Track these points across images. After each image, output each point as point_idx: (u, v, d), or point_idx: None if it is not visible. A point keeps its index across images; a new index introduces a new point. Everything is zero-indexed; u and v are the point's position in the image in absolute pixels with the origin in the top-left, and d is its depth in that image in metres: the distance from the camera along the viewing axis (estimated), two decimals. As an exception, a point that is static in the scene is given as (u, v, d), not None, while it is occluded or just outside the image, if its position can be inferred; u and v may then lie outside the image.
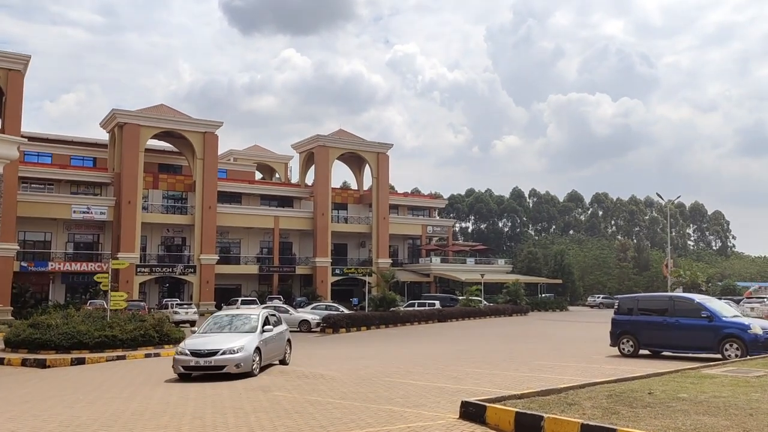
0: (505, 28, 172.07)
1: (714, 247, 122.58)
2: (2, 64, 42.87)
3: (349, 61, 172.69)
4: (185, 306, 41.34)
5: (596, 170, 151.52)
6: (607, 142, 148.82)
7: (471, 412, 8.39)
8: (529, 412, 7.67)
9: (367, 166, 65.49)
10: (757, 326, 15.60)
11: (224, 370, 13.75)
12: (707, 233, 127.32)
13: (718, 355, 15.59)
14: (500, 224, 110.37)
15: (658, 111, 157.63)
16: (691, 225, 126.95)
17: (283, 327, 17.05)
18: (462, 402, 8.66)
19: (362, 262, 63.09)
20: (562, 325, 37.90)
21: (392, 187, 71.38)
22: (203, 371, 14.00)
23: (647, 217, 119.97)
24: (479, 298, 49.61)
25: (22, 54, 44.35)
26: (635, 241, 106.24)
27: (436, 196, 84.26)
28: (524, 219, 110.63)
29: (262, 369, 14.73)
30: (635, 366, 14.99)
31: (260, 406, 10.24)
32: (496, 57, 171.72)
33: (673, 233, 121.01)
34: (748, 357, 14.71)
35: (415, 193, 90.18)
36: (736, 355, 15.18)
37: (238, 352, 13.87)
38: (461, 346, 22.62)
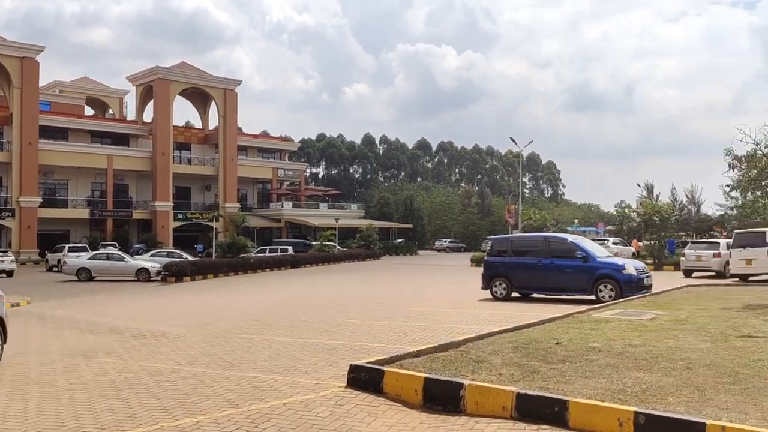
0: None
1: (546, 195, 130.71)
2: None
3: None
4: (0, 253, 35.92)
5: (441, 121, 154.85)
6: (451, 94, 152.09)
7: (363, 378, 6.60)
8: (443, 378, 6.00)
9: (213, 103, 60.86)
10: (630, 266, 15.23)
11: None
12: (541, 182, 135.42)
13: (592, 297, 15.08)
14: (351, 170, 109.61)
15: (498, 66, 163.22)
16: (527, 174, 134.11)
17: None
18: (351, 366, 6.84)
19: (208, 206, 59.03)
20: (418, 268, 37.54)
21: (240, 129, 67.32)
22: None
23: (488, 166, 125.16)
24: (333, 243, 48.35)
25: None
26: (477, 188, 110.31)
27: (288, 139, 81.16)
28: (375, 165, 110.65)
29: None
30: (512, 310, 14.11)
31: (79, 379, 7.80)
32: (345, 2, 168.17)
33: (511, 181, 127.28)
34: (622, 298, 14.30)
35: (265, 135, 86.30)
36: (610, 296, 14.68)
37: None
38: (324, 293, 20.90)
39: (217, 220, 45.98)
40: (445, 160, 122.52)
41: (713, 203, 69.66)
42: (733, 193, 69.37)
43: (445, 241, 74.27)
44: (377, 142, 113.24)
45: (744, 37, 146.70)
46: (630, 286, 14.75)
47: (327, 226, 52.82)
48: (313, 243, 49.66)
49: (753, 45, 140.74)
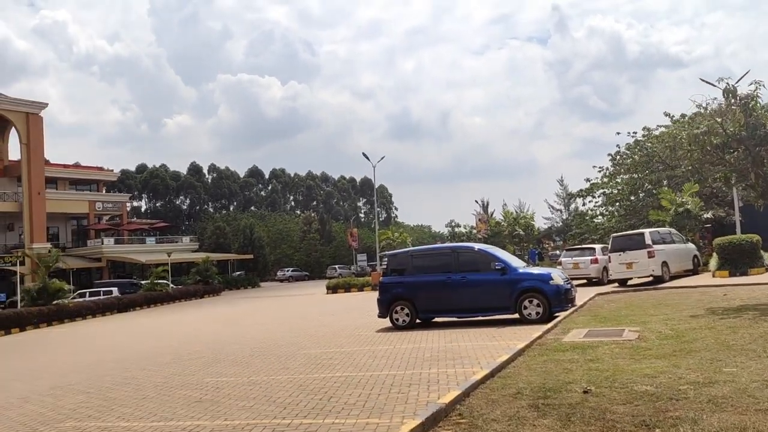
0: (170, 4, 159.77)
1: (381, 218, 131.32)
2: None
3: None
4: None
5: (269, 151, 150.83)
6: (277, 123, 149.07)
7: None
8: None
9: (12, 130, 52.35)
10: (557, 276, 12.79)
11: None
12: (375, 205, 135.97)
13: (515, 315, 12.53)
14: (178, 201, 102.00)
15: (321, 96, 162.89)
16: (362, 198, 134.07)
17: None
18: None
19: (10, 248, 50.30)
20: (272, 301, 33.50)
21: (47, 161, 58.78)
22: None
23: (323, 192, 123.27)
24: (166, 281, 42.76)
25: None
26: (314, 214, 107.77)
27: (105, 169, 72.95)
28: (204, 195, 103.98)
29: None
30: (437, 341, 11.04)
31: None
32: (160, 33, 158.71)
33: (346, 206, 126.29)
34: (552, 315, 11.94)
35: (78, 165, 77.02)
36: (537, 314, 12.19)
37: None
38: (171, 340, 16.56)
39: (22, 263, 38.70)
40: (279, 188, 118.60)
41: (541, 217, 72.70)
42: (557, 206, 73.11)
43: (287, 271, 70.56)
44: (205, 171, 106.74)
45: (539, 69, 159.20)
46: (559, 300, 12.35)
47: (157, 263, 47.03)
48: (143, 282, 43.70)
49: (548, 77, 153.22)
